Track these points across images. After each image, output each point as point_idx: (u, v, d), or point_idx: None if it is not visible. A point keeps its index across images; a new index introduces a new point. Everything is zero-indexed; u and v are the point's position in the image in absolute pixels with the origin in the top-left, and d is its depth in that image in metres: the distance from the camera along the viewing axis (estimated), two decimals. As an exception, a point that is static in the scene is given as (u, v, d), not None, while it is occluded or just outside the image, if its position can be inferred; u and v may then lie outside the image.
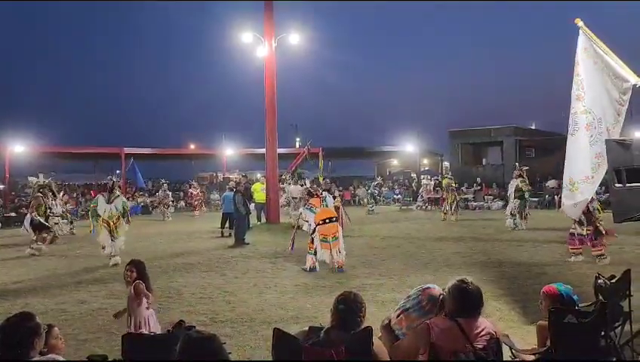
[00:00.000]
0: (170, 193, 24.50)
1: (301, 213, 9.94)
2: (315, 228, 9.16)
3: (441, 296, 3.17)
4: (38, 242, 12.24)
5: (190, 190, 25.21)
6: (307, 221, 9.40)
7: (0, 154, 24.91)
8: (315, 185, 9.92)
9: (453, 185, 19.35)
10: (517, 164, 16.72)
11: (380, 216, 21.29)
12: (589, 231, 9.19)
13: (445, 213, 18.47)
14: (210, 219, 20.72)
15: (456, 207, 18.68)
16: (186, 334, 2.47)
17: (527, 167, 16.19)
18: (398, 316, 3.23)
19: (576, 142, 4.98)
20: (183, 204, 27.95)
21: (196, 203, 24.34)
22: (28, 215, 12.61)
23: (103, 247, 10.52)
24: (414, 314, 3.16)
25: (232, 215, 14.43)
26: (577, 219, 9.02)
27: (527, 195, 15.15)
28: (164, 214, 22.12)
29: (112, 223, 10.55)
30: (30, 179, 13.49)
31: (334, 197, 10.10)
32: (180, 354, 2.33)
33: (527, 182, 15.35)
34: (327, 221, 9.21)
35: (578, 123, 4.93)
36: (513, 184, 15.32)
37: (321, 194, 9.99)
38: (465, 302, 2.98)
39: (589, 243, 9.26)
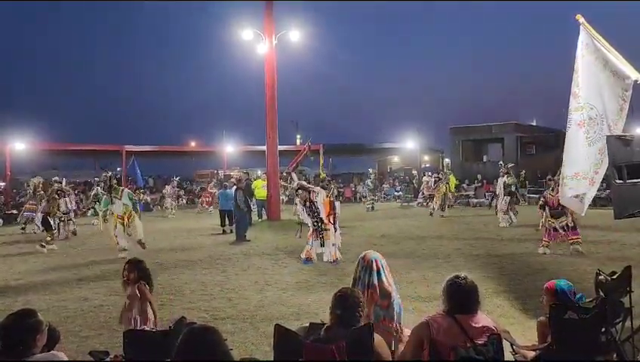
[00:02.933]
0: (177, 189, 24.64)
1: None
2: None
3: (373, 257, 4.00)
4: (48, 238, 12.31)
5: (207, 186, 25.37)
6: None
7: (1, 152, 24.92)
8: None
9: (453, 181, 19.76)
10: (501, 163, 16.95)
11: (380, 212, 21.30)
12: (562, 223, 9.95)
13: (442, 210, 18.73)
14: (210, 216, 20.74)
15: (441, 204, 18.84)
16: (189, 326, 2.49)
17: (512, 164, 16.86)
18: (364, 293, 3.67)
19: (569, 139, 4.99)
20: (185, 201, 28.00)
21: (210, 199, 24.41)
22: (39, 213, 12.68)
23: (118, 243, 10.79)
24: (373, 280, 3.88)
25: (230, 212, 14.46)
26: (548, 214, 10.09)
27: (513, 188, 15.44)
28: (171, 209, 22.15)
29: (125, 218, 10.84)
30: (55, 179, 13.99)
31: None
32: (182, 343, 2.33)
33: (513, 176, 15.86)
34: None
35: (571, 120, 4.94)
36: (500, 182, 15.63)
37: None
38: (460, 298, 2.98)
39: (562, 234, 9.99)
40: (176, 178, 25.13)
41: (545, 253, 9.92)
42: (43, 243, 12.02)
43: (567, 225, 9.94)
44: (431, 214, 18.56)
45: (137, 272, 4.64)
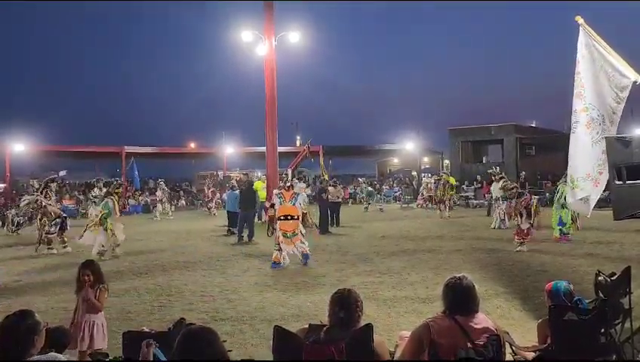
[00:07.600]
0: (168, 191, 24.49)
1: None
2: (276, 223, 9.82)
3: None
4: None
5: (205, 188, 25.26)
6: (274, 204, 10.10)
7: (0, 153, 24.94)
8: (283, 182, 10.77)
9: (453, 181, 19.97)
10: (493, 168, 16.91)
11: (380, 214, 21.33)
12: (530, 224, 10.76)
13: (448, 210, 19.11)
14: (209, 217, 20.74)
15: (440, 204, 19.35)
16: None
17: (497, 167, 16.96)
18: None
19: (577, 140, 4.98)
20: (184, 203, 27.99)
21: (212, 200, 24.23)
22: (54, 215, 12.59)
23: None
24: None
25: (235, 214, 14.45)
26: (522, 215, 10.84)
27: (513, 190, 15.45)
28: (161, 212, 22.08)
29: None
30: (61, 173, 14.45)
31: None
32: (180, 343, 2.33)
33: (507, 180, 15.81)
34: (289, 218, 9.72)
35: (578, 121, 4.93)
36: (496, 188, 15.50)
37: (294, 191, 10.09)
38: (458, 298, 2.97)
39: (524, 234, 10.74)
40: (160, 180, 25.05)
41: (521, 251, 10.46)
42: (51, 246, 12.03)
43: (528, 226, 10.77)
44: (441, 217, 18.61)
45: (93, 274, 4.53)
